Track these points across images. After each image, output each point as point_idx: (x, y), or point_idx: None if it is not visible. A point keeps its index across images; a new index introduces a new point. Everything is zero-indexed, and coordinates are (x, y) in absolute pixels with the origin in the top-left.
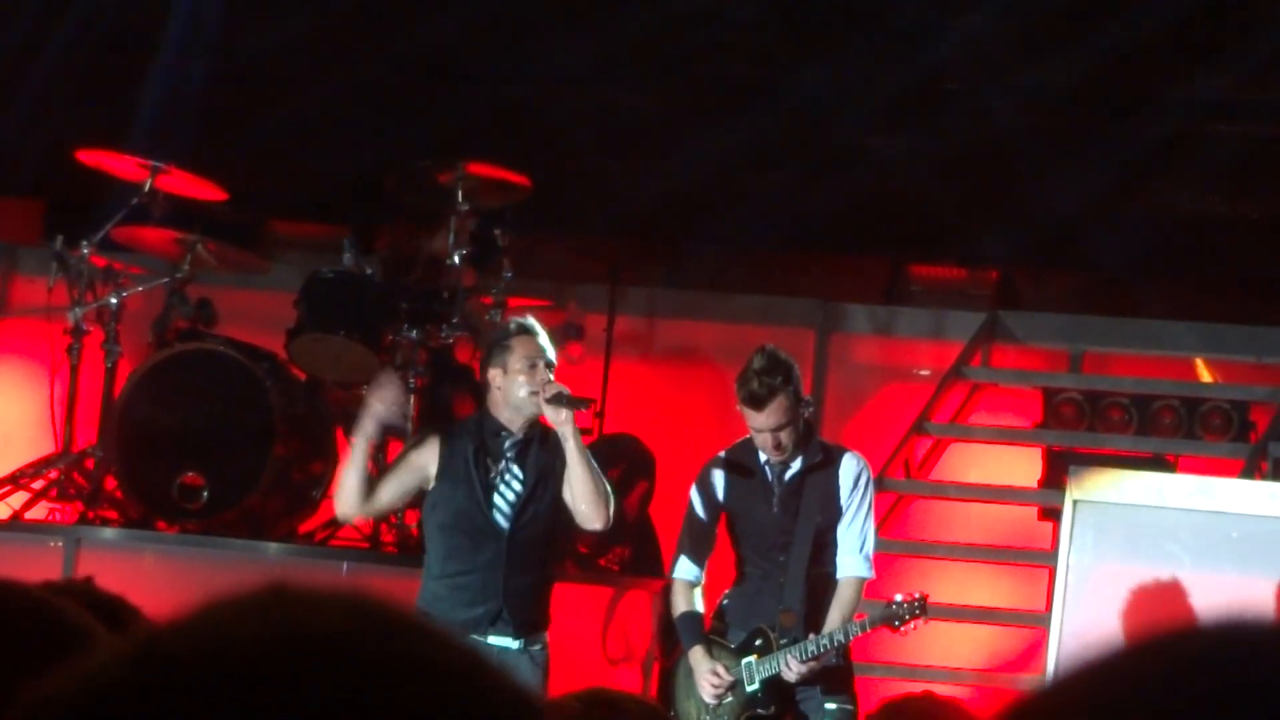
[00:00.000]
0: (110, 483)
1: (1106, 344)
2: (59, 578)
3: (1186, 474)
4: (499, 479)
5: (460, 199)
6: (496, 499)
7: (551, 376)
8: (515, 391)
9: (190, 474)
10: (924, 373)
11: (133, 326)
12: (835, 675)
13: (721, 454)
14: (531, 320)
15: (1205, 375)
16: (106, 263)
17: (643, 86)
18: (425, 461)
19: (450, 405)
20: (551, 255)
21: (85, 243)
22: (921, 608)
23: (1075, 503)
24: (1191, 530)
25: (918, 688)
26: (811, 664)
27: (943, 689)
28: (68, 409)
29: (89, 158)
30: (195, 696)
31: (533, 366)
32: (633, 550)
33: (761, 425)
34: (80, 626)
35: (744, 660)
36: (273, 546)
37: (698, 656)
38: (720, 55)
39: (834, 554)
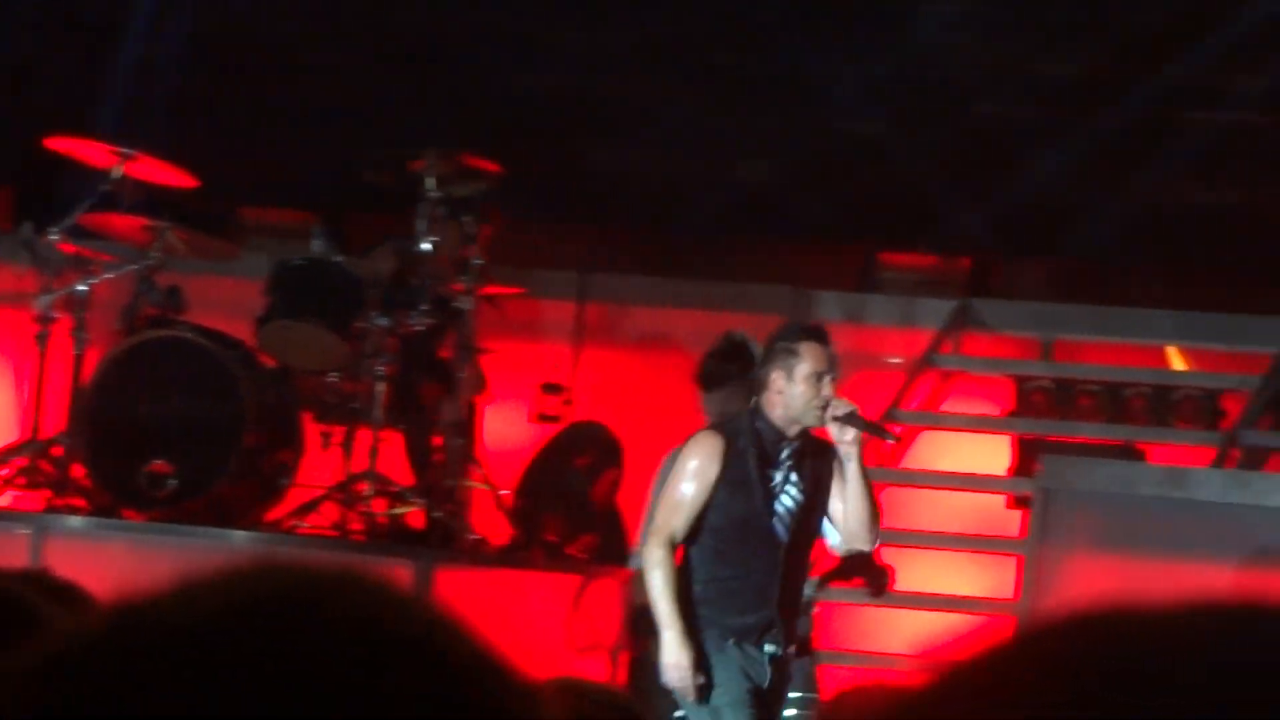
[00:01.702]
0: (78, 470)
1: (1078, 332)
2: (24, 566)
3: (1157, 462)
4: (779, 488)
5: (431, 186)
6: (777, 508)
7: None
8: (799, 403)
9: (158, 462)
10: (895, 360)
11: (101, 314)
12: (802, 664)
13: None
14: (820, 327)
15: (1177, 363)
16: (75, 250)
17: (616, 72)
18: (712, 467)
19: (419, 393)
20: (523, 242)
21: (54, 230)
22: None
23: (1046, 491)
24: (1162, 518)
25: (886, 676)
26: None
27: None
28: (36, 396)
29: (58, 145)
30: (166, 659)
31: (819, 380)
32: (600, 538)
33: (709, 407)
34: (34, 609)
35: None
36: (240, 535)
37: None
38: (695, 41)
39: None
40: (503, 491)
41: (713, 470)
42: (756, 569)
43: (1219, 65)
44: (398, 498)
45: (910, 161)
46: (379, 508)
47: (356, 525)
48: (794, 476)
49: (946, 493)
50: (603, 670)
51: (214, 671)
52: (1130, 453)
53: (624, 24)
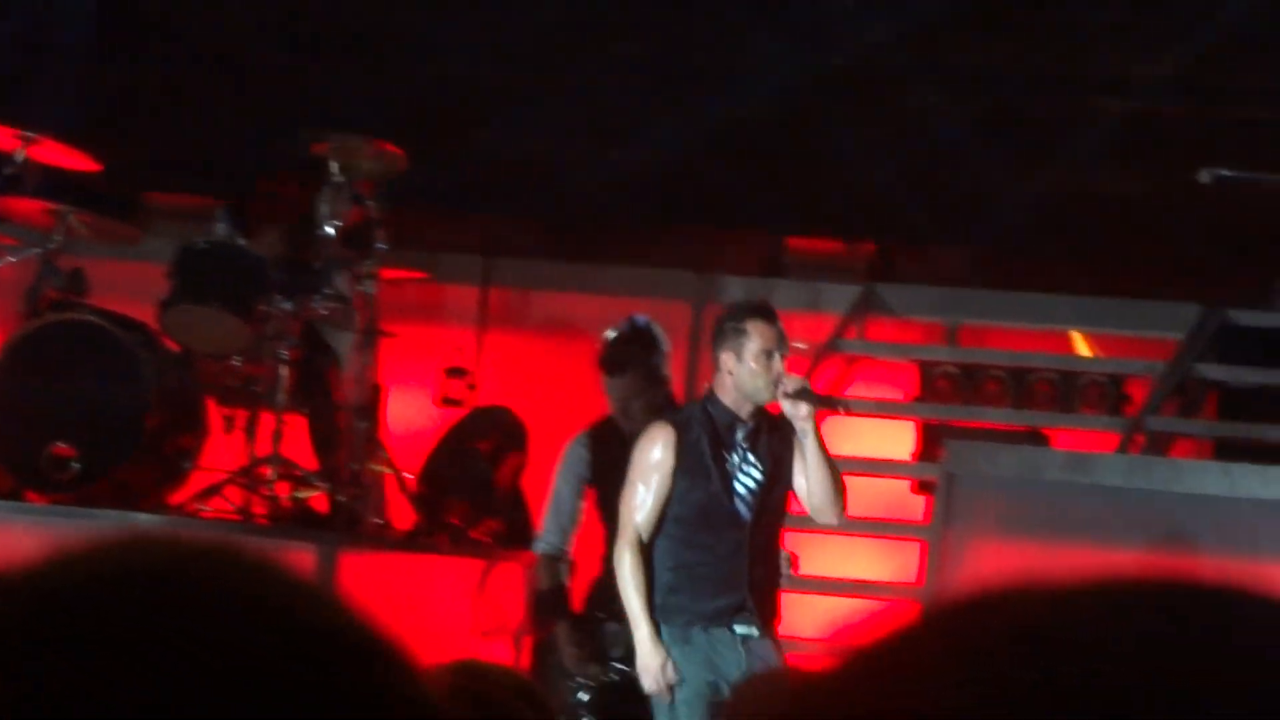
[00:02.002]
0: None
1: (983, 317)
2: None
3: (1062, 448)
4: (736, 469)
5: (335, 170)
6: (737, 487)
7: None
8: (750, 380)
9: (60, 445)
10: (800, 346)
11: (3, 297)
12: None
13: (586, 429)
14: (766, 304)
15: (1083, 349)
16: None
17: (520, 58)
18: (667, 460)
19: (324, 377)
20: (426, 226)
21: None
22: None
23: (950, 475)
24: (1066, 503)
25: (790, 660)
26: None
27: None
28: None
29: None
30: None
31: (769, 357)
32: (505, 523)
33: (611, 392)
34: None
35: (607, 628)
36: (143, 517)
37: (562, 629)
38: (593, 27)
39: None
40: (407, 476)
41: (668, 463)
42: (724, 552)
43: (1126, 56)
44: (301, 481)
45: (816, 147)
46: (282, 491)
47: (260, 509)
48: (751, 456)
49: (851, 478)
50: (506, 654)
51: (77, 641)
52: (1035, 438)
53: (528, 10)
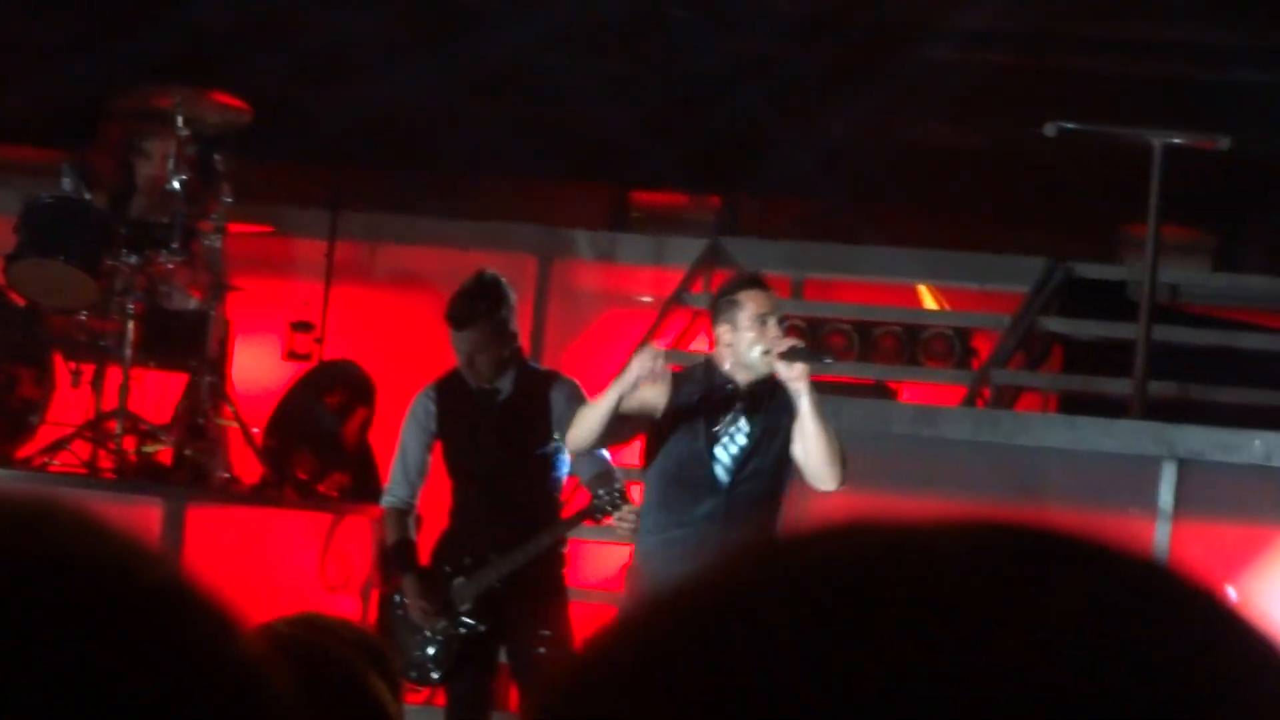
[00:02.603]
0: None
1: (829, 270)
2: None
3: (908, 401)
4: (724, 431)
5: (179, 123)
6: (719, 451)
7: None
8: (746, 350)
9: None
10: (646, 299)
11: None
12: (548, 600)
13: (433, 383)
14: (758, 275)
15: (930, 302)
16: None
17: (363, 10)
18: (655, 399)
19: (169, 330)
20: (271, 180)
21: None
22: (621, 496)
23: None
24: (913, 457)
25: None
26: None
27: None
28: None
29: None
30: None
31: (763, 323)
32: (352, 476)
33: (458, 346)
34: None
35: (455, 582)
36: None
37: (409, 583)
38: None
39: (550, 475)
40: (254, 429)
41: (660, 397)
42: (698, 517)
43: (968, 8)
44: (148, 435)
45: (661, 103)
46: (129, 446)
47: (107, 463)
48: (743, 423)
49: None
50: (353, 608)
51: None
52: (881, 391)
53: None
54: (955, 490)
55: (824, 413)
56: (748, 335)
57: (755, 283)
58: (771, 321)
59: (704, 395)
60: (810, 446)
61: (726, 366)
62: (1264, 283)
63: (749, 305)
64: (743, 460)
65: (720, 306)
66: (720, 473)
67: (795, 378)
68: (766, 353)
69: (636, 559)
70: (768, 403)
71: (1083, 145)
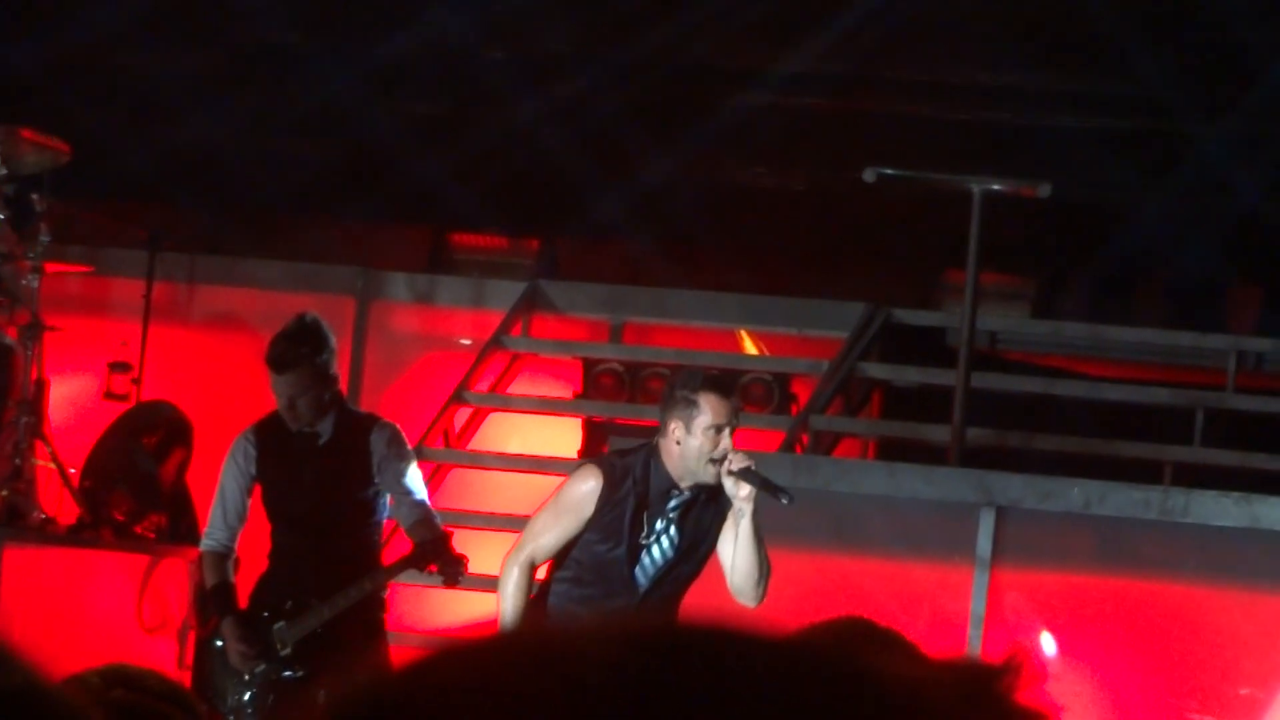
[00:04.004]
0: None
1: (647, 315)
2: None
3: None
4: (654, 539)
5: None
6: (644, 558)
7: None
8: (695, 457)
9: None
10: (465, 342)
11: None
12: (368, 644)
13: (253, 425)
14: (722, 378)
15: (750, 347)
16: None
17: (181, 50)
18: (586, 507)
19: None
20: (89, 220)
21: None
22: (444, 545)
23: None
24: None
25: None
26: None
27: None
28: None
29: None
30: None
31: (719, 431)
32: (169, 518)
33: (278, 389)
34: None
35: (275, 626)
36: None
37: (228, 626)
38: (257, 20)
39: (370, 519)
40: (71, 470)
41: (585, 509)
42: (610, 608)
43: (790, 54)
44: None
45: (486, 145)
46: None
47: None
48: (673, 530)
49: (516, 474)
50: (170, 650)
51: None
52: None
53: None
54: (772, 537)
55: (760, 534)
56: (699, 443)
57: (717, 386)
58: (726, 433)
59: (639, 500)
60: (742, 564)
61: (670, 463)
62: (1083, 330)
63: (706, 412)
64: (665, 569)
65: (675, 400)
66: (639, 577)
67: (743, 498)
68: (714, 463)
69: (554, 599)
70: (700, 510)
71: (902, 190)
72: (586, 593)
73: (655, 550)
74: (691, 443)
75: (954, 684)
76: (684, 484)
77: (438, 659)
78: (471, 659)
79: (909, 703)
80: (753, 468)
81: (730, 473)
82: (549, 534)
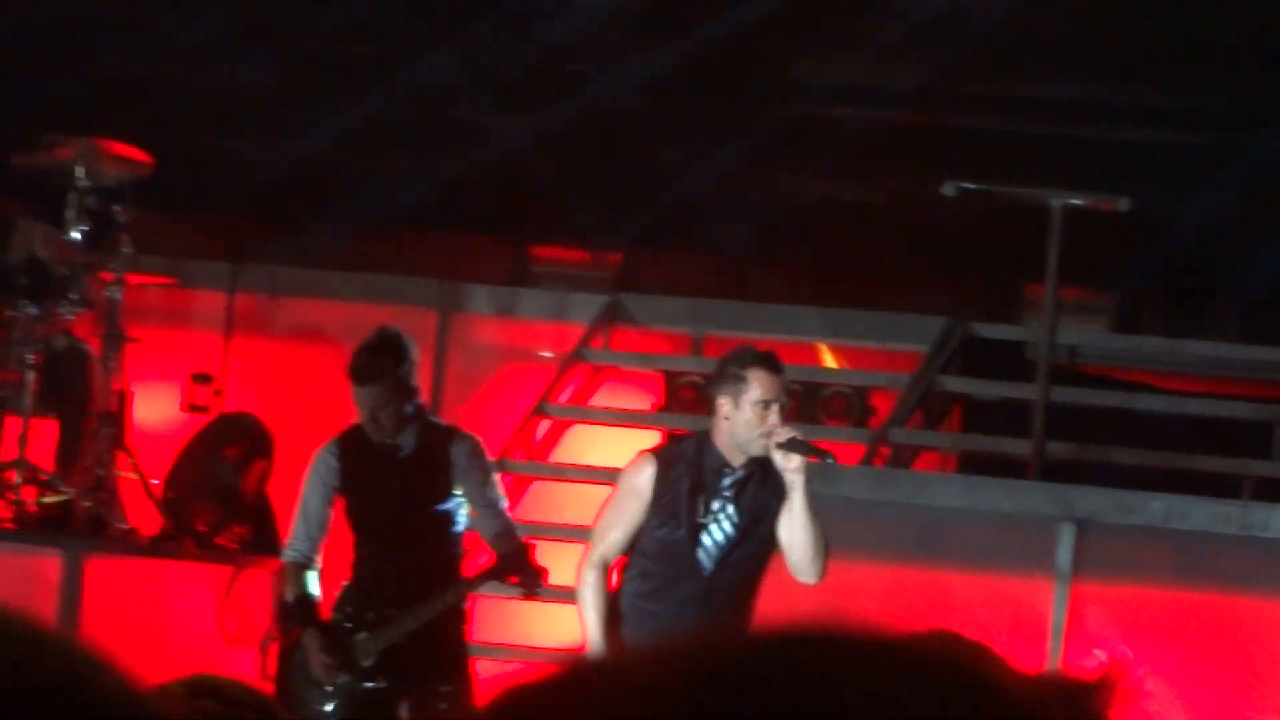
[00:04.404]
0: None
1: (728, 328)
2: None
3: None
4: (712, 519)
5: (80, 174)
6: (704, 538)
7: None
8: (744, 430)
9: None
10: (546, 355)
11: None
12: (450, 656)
13: (336, 438)
14: (771, 354)
15: (829, 360)
16: None
17: (265, 63)
18: (645, 492)
19: (69, 384)
20: (172, 232)
21: None
22: (526, 557)
23: None
24: None
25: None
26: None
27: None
28: None
29: None
30: None
31: (765, 408)
32: (251, 529)
33: (360, 401)
34: None
35: (357, 637)
36: None
37: (311, 637)
38: (341, 33)
39: (451, 531)
40: (153, 481)
41: (645, 495)
42: (677, 598)
43: (865, 65)
44: (47, 486)
45: (561, 157)
46: (28, 496)
47: (6, 513)
48: (731, 507)
49: (597, 487)
50: (253, 662)
51: None
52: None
53: (274, 17)
54: (853, 549)
55: (816, 507)
56: (747, 418)
57: (766, 362)
58: (774, 408)
59: (693, 480)
60: (798, 539)
61: (720, 441)
62: (1162, 344)
63: (755, 387)
64: (727, 549)
65: (724, 377)
66: (703, 559)
67: (793, 469)
68: (764, 437)
69: (620, 611)
70: (757, 487)
71: (982, 205)
72: (654, 585)
73: (715, 530)
74: (740, 417)
75: (1059, 698)
76: (735, 461)
77: (506, 700)
78: (539, 704)
79: (1027, 715)
80: (799, 437)
81: (779, 445)
82: (615, 529)
